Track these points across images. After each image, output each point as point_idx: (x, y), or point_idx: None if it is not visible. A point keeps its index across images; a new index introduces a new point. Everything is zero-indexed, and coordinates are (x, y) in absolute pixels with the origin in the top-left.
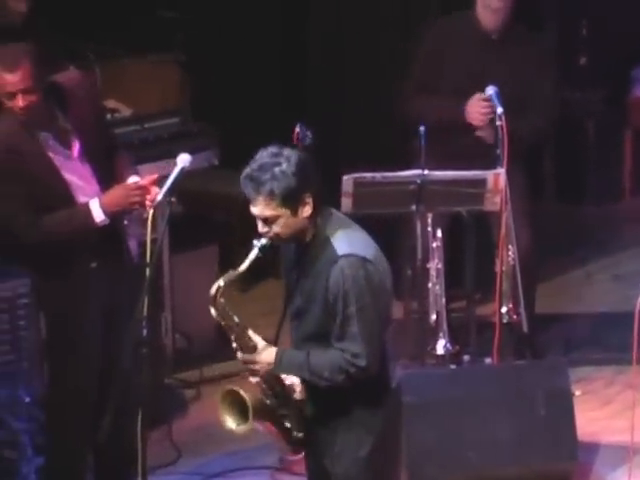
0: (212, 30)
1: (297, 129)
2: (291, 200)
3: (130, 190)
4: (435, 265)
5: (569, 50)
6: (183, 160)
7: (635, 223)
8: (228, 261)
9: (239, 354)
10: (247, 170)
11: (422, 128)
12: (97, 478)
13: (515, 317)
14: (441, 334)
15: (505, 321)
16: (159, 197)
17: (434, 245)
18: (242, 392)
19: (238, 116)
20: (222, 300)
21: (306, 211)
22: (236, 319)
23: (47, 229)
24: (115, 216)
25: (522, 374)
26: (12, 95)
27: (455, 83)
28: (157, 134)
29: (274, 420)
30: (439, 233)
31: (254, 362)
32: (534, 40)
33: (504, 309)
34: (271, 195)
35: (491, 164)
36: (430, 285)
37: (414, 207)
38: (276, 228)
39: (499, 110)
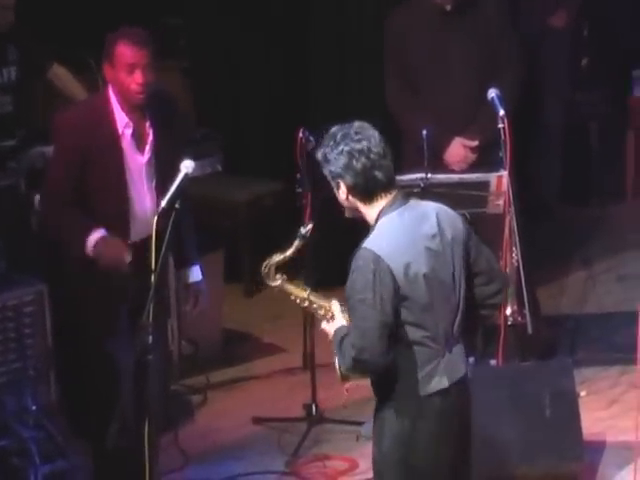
0: (215, 36)
1: (300, 134)
2: (331, 177)
3: (122, 262)
4: None
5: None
6: (187, 166)
7: (638, 224)
8: (233, 267)
9: (323, 324)
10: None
11: (425, 132)
12: None
13: (520, 319)
14: None
15: (510, 323)
16: (164, 205)
17: None
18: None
19: (241, 122)
20: (278, 276)
21: (340, 194)
22: (305, 293)
23: (59, 224)
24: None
25: (527, 376)
26: (132, 67)
27: (421, 63)
28: None
29: None
30: None
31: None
32: (487, 2)
33: (509, 311)
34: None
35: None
36: None
37: None
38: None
39: (501, 112)
